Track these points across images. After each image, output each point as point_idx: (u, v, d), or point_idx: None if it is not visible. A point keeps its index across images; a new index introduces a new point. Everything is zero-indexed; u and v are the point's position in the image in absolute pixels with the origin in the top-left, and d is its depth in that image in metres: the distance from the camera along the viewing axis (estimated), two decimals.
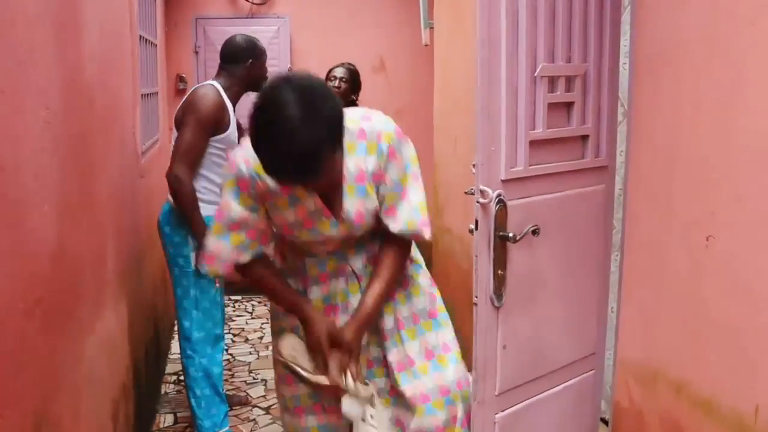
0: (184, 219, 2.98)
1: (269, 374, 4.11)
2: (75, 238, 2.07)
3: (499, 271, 1.96)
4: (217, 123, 3.03)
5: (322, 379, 1.97)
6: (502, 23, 1.90)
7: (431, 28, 4.66)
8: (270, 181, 1.88)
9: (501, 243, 1.95)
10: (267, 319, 5.13)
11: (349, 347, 1.96)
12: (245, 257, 2.01)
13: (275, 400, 3.76)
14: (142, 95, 3.65)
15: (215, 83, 3.12)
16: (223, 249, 1.98)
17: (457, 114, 4.10)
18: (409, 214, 1.97)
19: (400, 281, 2.09)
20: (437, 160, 4.51)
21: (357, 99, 4.37)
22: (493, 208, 1.93)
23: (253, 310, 5.33)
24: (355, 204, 1.95)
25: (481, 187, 1.91)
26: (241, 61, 3.19)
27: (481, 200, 1.92)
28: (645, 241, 2.09)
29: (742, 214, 1.65)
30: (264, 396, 3.85)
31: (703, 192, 1.80)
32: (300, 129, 1.65)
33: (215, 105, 3.02)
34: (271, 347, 4.56)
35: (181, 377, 3.91)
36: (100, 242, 2.46)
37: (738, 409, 1.66)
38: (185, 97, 3.16)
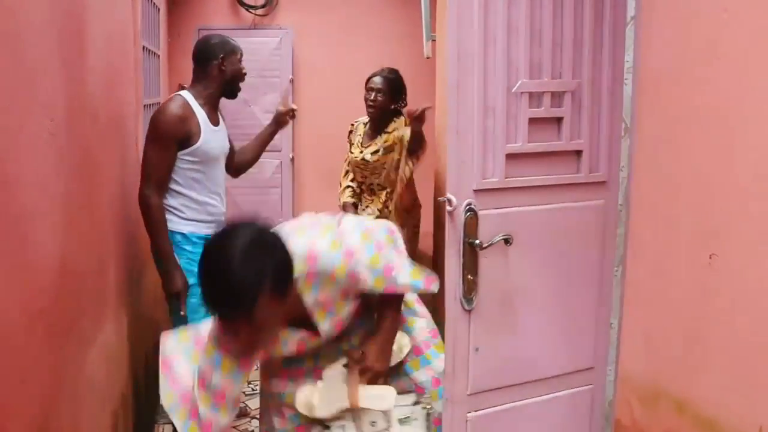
0: (150, 240, 2.92)
1: None
2: (77, 250, 2.06)
3: (469, 276, 2.04)
4: (180, 136, 2.87)
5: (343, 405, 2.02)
6: (475, 39, 1.96)
7: (433, 40, 4.68)
8: None
9: (471, 249, 2.03)
10: None
11: (373, 371, 2.05)
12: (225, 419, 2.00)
13: None
14: (144, 106, 3.66)
15: (184, 93, 2.97)
16: (220, 421, 1.98)
17: None
18: (411, 281, 2.03)
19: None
20: (440, 173, 4.51)
21: (402, 105, 3.99)
22: (461, 215, 2.02)
23: None
24: (330, 323, 2.01)
25: (448, 195, 2.02)
26: (212, 59, 3.02)
27: (448, 208, 2.02)
28: (647, 258, 2.09)
29: (746, 231, 1.65)
30: None
31: (707, 209, 1.80)
32: (239, 264, 1.66)
33: (174, 118, 2.85)
34: None
35: None
36: (102, 254, 2.46)
37: (741, 429, 1.65)
38: None
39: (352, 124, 4.10)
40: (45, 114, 1.76)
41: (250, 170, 3.58)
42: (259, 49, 5.54)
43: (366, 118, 4.01)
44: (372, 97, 3.86)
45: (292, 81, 5.58)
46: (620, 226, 2.22)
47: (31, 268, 1.63)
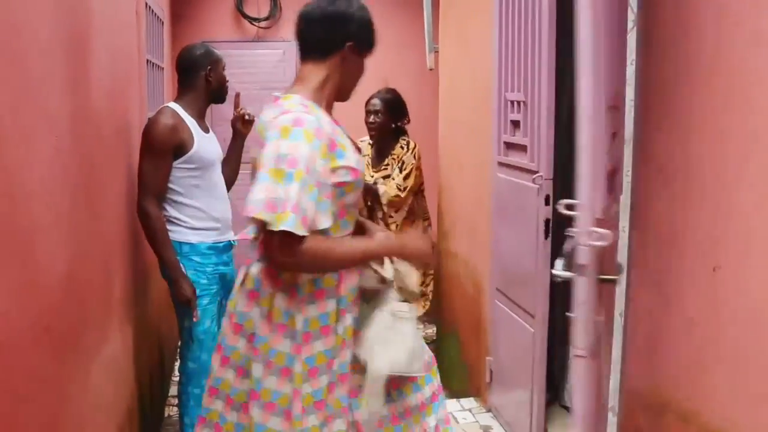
0: (154, 252, 2.93)
1: None
2: (83, 264, 2.07)
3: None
4: (174, 144, 2.89)
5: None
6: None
7: (436, 52, 4.69)
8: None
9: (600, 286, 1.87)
10: None
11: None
12: (325, 221, 1.86)
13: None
14: (148, 119, 3.66)
15: (172, 105, 3.01)
16: (309, 203, 1.80)
17: (462, 138, 4.11)
18: None
19: None
20: (443, 184, 4.51)
21: (403, 124, 4.04)
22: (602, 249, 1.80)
23: None
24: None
25: (597, 229, 1.78)
26: (200, 70, 3.06)
27: (597, 243, 1.77)
28: (651, 270, 2.08)
29: (750, 243, 1.65)
30: None
31: (710, 220, 1.79)
32: None
33: (165, 129, 2.87)
34: None
35: None
36: (107, 267, 2.47)
37: None
38: None
39: (361, 141, 4.09)
40: (50, 129, 1.77)
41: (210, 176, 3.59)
42: (262, 62, 5.56)
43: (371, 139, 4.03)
44: (371, 119, 3.90)
45: None
46: (622, 237, 2.22)
47: (37, 281, 1.64)
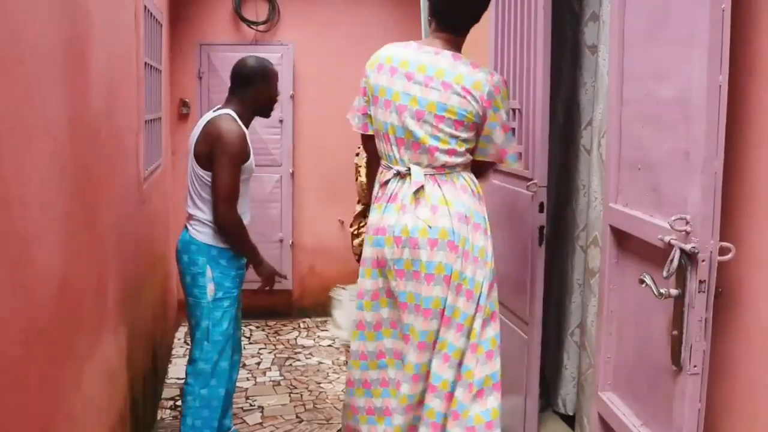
0: (242, 254, 3.11)
1: (266, 401, 4.11)
2: (77, 268, 2.07)
3: (674, 332, 1.77)
4: (244, 154, 3.01)
5: None
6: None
7: None
8: None
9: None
10: (265, 344, 5.12)
11: None
12: None
13: (272, 428, 3.76)
14: (145, 121, 3.67)
15: (231, 112, 3.05)
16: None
17: None
18: None
19: None
20: None
21: None
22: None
23: (251, 335, 5.31)
24: None
25: (725, 244, 1.68)
26: (256, 85, 3.12)
27: (722, 258, 1.68)
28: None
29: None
30: (260, 423, 3.83)
31: None
32: None
33: (241, 138, 2.98)
34: (268, 374, 4.55)
35: (178, 402, 3.90)
36: (102, 271, 2.47)
37: None
38: (203, 127, 3.04)
39: (359, 147, 4.07)
40: (48, 135, 1.78)
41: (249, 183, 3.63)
42: None
43: None
44: None
45: (292, 96, 5.60)
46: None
47: (31, 285, 1.64)
